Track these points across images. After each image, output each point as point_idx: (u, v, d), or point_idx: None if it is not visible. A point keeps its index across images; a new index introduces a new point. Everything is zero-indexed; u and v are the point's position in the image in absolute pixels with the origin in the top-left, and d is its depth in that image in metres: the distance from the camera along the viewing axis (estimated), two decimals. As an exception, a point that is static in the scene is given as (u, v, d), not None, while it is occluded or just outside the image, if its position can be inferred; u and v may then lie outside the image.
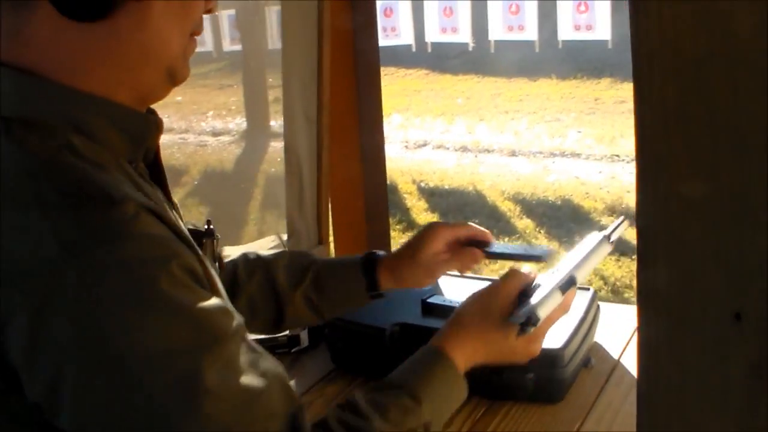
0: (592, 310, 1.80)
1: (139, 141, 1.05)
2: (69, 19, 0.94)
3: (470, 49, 9.83)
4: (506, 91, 12.86)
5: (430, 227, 1.58)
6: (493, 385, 1.64)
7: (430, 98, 12.84)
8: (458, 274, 1.66)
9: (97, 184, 0.92)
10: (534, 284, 1.38)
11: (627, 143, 8.90)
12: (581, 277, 1.40)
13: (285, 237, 2.73)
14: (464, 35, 9.06)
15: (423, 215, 7.50)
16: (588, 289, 1.87)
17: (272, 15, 8.85)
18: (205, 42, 10.85)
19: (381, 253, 1.61)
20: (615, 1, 7.89)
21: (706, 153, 0.80)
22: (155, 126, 1.08)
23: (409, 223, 7.26)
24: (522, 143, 10.12)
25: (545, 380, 1.63)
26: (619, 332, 1.92)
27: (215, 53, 11.62)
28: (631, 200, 7.34)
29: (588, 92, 11.84)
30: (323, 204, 2.84)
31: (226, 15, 9.91)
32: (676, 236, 0.84)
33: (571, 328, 1.68)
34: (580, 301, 1.81)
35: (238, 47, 10.50)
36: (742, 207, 0.82)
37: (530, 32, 8.70)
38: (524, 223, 7.00)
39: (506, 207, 7.54)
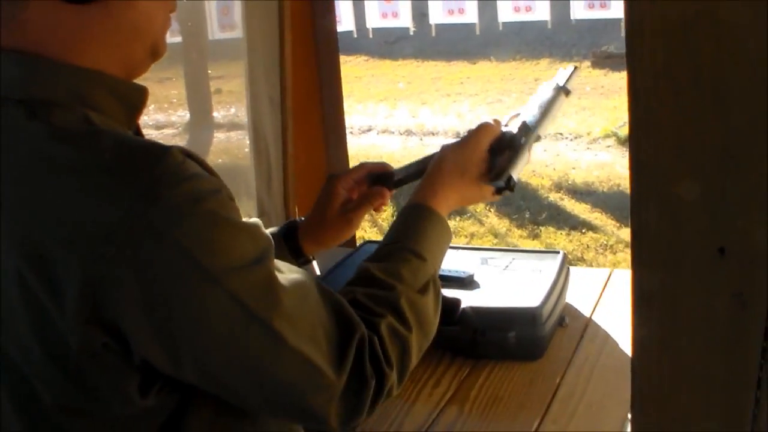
0: (563, 272, 1.90)
1: (134, 110, 1.12)
2: (64, 2, 0.99)
3: (411, 33, 9.92)
4: (446, 75, 12.95)
5: (327, 181, 1.58)
6: (477, 345, 1.73)
7: (371, 84, 12.88)
8: (374, 213, 1.66)
9: (139, 141, 1.01)
10: (502, 135, 1.43)
11: (570, 122, 9.06)
12: (544, 131, 1.44)
13: (255, 218, 2.79)
14: (405, 20, 9.12)
15: (374, 198, 7.55)
16: (558, 253, 1.97)
17: (212, 6, 8.83)
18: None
19: (301, 219, 1.62)
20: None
21: (692, 110, 0.89)
22: (145, 95, 1.14)
23: (361, 207, 7.33)
24: (465, 125, 10.20)
25: (525, 338, 1.72)
26: (587, 293, 2.02)
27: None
28: (576, 176, 7.52)
29: (528, 73, 11.99)
30: (290, 185, 2.90)
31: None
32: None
33: (546, 289, 1.77)
34: (551, 263, 1.91)
35: (177, 39, 10.41)
36: (729, 156, 0.90)
37: (470, 15, 8.78)
38: (473, 202, 7.09)
39: (454, 187, 7.62)
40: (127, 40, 1.07)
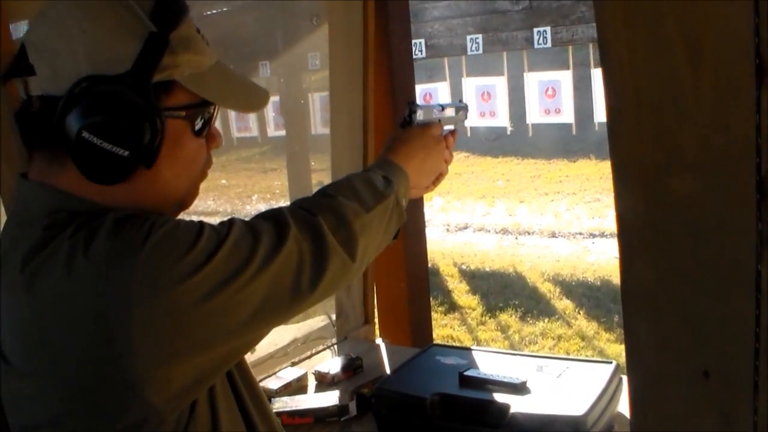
0: (614, 381, 1.97)
1: None
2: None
3: (508, 133, 10.09)
4: (546, 173, 13.04)
5: None
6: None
7: (470, 181, 13.05)
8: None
9: None
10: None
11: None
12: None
13: (334, 317, 2.94)
14: (502, 119, 9.29)
15: (464, 297, 7.64)
16: (611, 363, 2.04)
17: (316, 101, 9.13)
18: (251, 128, 11.16)
19: None
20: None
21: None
22: None
23: (451, 305, 7.41)
24: (562, 224, 10.26)
25: (571, 444, 1.80)
26: (642, 402, 2.07)
27: (260, 139, 11.91)
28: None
29: (627, 173, 11.96)
30: (369, 286, 3.04)
31: (270, 101, 10.18)
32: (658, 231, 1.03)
33: (593, 397, 1.85)
34: (603, 373, 1.99)
35: (282, 133, 10.76)
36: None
37: (567, 115, 8.89)
38: (564, 304, 7.11)
39: (546, 288, 7.67)
40: (152, 204, 1.18)
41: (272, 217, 1.20)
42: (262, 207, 12.33)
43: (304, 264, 1.18)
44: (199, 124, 1.19)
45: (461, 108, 1.79)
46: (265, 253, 1.12)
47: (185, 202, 1.26)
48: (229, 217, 1.19)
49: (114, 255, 1.02)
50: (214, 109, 1.22)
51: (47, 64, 1.09)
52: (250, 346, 1.20)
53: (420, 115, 1.62)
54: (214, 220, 1.21)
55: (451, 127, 1.72)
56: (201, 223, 1.11)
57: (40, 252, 1.06)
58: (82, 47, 1.07)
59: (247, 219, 1.20)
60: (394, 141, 1.59)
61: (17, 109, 1.13)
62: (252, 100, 1.27)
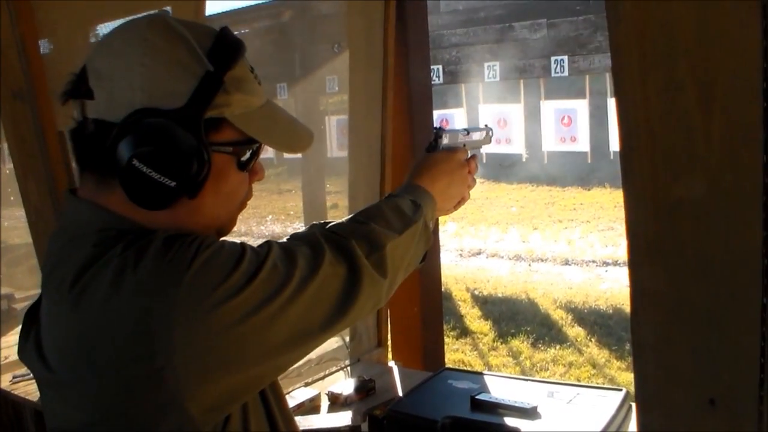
0: (624, 408, 2.00)
1: None
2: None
3: (524, 160, 10.13)
4: (560, 200, 13.06)
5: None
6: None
7: (485, 207, 13.08)
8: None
9: None
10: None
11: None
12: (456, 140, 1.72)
13: (347, 339, 2.98)
14: (518, 146, 9.34)
15: (476, 322, 7.65)
16: (621, 390, 2.07)
17: (333, 124, 9.21)
18: (267, 149, 11.21)
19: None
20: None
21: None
22: None
23: (463, 330, 7.42)
24: (575, 252, 10.26)
25: (578, 470, 1.83)
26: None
27: (276, 160, 11.98)
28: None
29: (641, 202, 11.95)
30: (383, 309, 3.08)
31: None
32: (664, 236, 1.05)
33: (602, 424, 1.88)
34: (613, 400, 2.02)
35: (297, 154, 10.85)
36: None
37: (582, 143, 8.94)
38: (575, 332, 7.11)
39: (558, 315, 7.67)
40: (193, 230, 1.22)
41: (307, 240, 1.25)
42: (277, 228, 12.43)
43: (338, 287, 1.22)
44: (244, 159, 1.25)
45: (486, 132, 1.83)
46: (301, 277, 1.17)
47: (224, 230, 1.31)
48: (266, 239, 1.24)
49: (161, 274, 1.07)
50: (260, 146, 1.27)
51: (105, 91, 1.14)
52: (284, 368, 1.22)
53: (446, 140, 1.66)
54: (230, 240, 1.24)
55: (474, 150, 1.77)
56: (242, 245, 1.16)
57: (89, 268, 1.10)
58: (140, 80, 1.12)
59: (282, 241, 1.25)
60: (419, 165, 1.63)
61: (72, 128, 1.19)
62: (296, 141, 1.33)
